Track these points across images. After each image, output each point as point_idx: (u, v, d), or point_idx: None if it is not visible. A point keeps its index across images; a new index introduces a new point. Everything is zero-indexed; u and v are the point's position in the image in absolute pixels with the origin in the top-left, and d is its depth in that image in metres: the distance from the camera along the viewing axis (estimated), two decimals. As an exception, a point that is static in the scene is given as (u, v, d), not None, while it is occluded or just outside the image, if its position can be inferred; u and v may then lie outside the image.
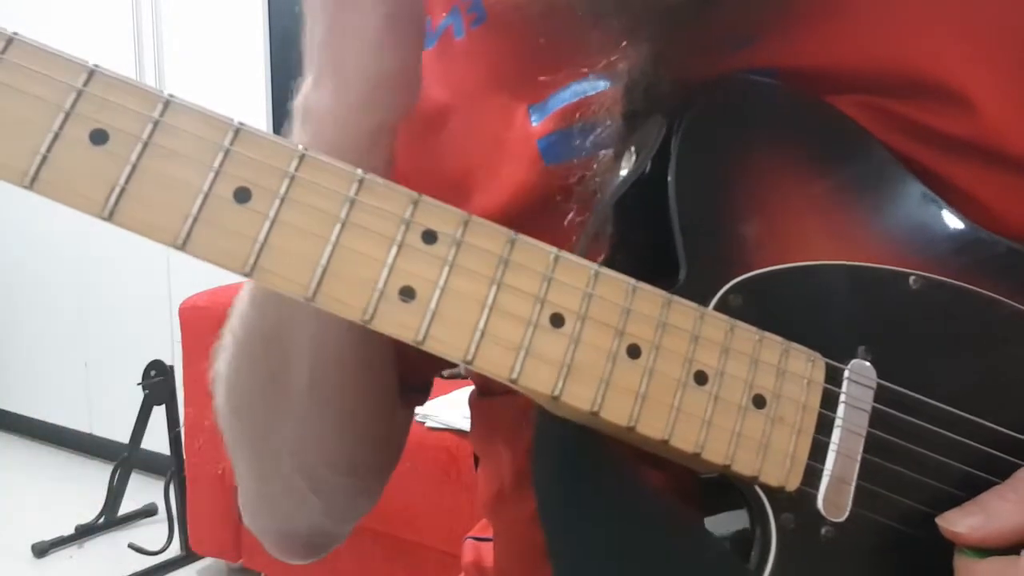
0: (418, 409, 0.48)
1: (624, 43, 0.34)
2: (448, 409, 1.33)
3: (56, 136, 0.24)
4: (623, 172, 0.33)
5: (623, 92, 0.34)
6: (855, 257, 0.33)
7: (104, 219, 0.24)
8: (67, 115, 0.24)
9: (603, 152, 0.35)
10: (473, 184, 0.40)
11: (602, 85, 0.37)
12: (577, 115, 0.38)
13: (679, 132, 0.33)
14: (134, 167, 0.24)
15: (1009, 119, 0.34)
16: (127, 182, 0.24)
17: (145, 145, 0.25)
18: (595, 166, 0.36)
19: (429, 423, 1.33)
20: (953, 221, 0.35)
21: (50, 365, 2.42)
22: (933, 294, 0.33)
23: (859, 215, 0.34)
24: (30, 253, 2.37)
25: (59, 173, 0.24)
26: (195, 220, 0.25)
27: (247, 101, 1.96)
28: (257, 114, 1.95)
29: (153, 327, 2.12)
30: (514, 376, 0.27)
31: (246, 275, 0.25)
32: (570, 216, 0.36)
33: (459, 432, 1.28)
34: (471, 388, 0.48)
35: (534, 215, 0.38)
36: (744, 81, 0.35)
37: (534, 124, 0.39)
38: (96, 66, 0.25)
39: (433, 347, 0.27)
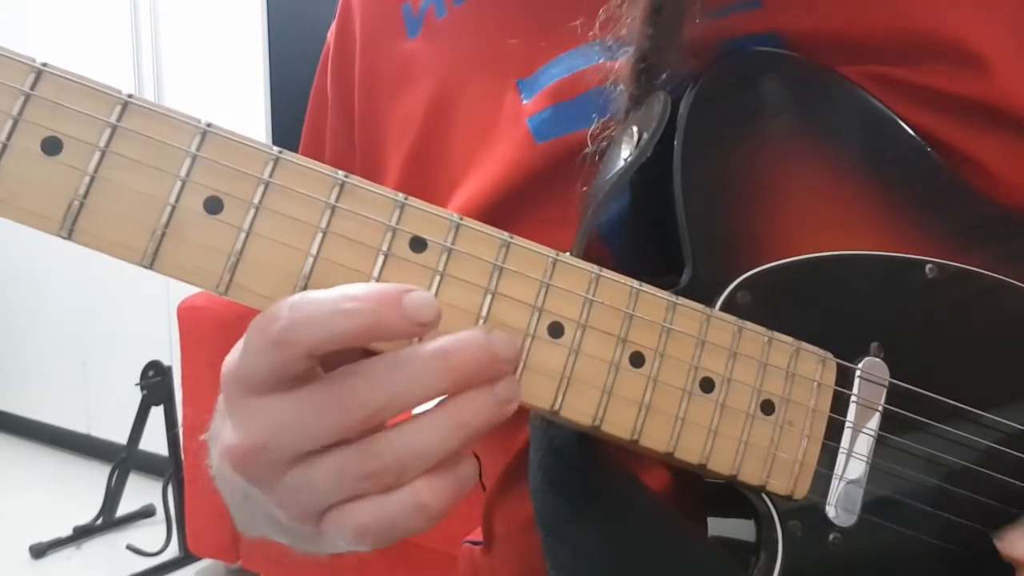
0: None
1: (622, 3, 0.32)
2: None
3: (4, 147, 0.22)
4: (624, 155, 0.31)
5: (634, 58, 0.31)
6: (872, 245, 0.31)
7: (63, 238, 0.22)
8: (16, 122, 0.22)
9: (607, 117, 0.33)
10: (467, 167, 0.39)
11: (596, 57, 0.35)
12: (571, 90, 0.36)
13: (687, 111, 0.31)
14: (92, 179, 0.22)
15: (1018, 78, 0.33)
16: (85, 196, 0.22)
17: (103, 154, 0.22)
18: (591, 142, 0.33)
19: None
20: (971, 200, 0.33)
21: (48, 366, 2.40)
22: (949, 283, 0.32)
23: (876, 198, 0.32)
24: (27, 253, 2.34)
25: (10, 189, 0.22)
26: (162, 236, 0.23)
27: (246, 105, 1.93)
28: (256, 120, 1.92)
29: (151, 327, 2.10)
30: None
31: (220, 293, 0.23)
32: (565, 197, 0.34)
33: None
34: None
35: (526, 196, 0.36)
36: (757, 53, 0.33)
37: (524, 102, 0.37)
38: (45, 65, 0.22)
39: (424, 364, 0.25)
